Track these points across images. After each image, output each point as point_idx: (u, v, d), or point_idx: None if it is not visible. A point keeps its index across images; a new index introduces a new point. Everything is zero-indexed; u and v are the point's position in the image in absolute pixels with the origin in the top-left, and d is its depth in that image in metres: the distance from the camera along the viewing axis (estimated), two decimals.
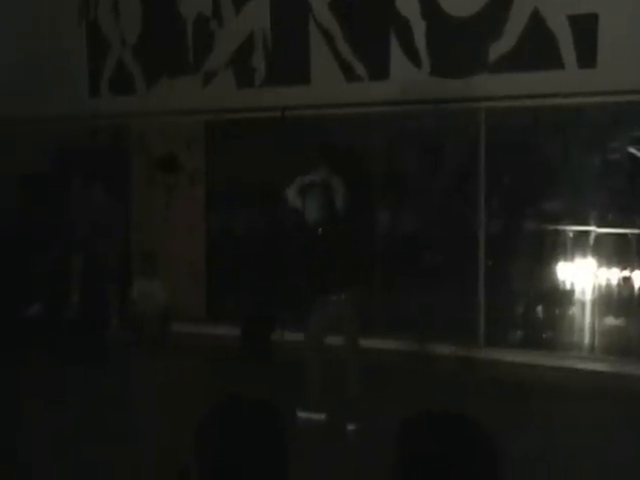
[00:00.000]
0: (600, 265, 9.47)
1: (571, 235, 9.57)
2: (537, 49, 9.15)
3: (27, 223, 11.67)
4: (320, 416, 7.31)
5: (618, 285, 9.44)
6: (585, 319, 9.60)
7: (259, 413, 2.08)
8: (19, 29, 12.03)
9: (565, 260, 9.66)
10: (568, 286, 9.67)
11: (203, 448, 2.01)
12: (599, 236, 9.40)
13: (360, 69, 10.09)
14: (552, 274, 9.74)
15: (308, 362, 7.40)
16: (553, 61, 9.07)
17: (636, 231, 9.26)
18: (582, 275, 9.53)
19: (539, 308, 9.85)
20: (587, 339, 9.58)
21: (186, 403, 7.35)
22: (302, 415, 7.28)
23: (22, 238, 11.35)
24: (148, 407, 8.28)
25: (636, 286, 9.34)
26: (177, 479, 2.17)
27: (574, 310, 9.66)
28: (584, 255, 9.53)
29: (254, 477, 1.97)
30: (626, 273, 9.38)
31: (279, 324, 10.21)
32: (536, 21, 9.11)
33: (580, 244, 9.53)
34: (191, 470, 2.01)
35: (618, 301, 9.49)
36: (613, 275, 9.44)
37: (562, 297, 9.72)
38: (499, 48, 9.32)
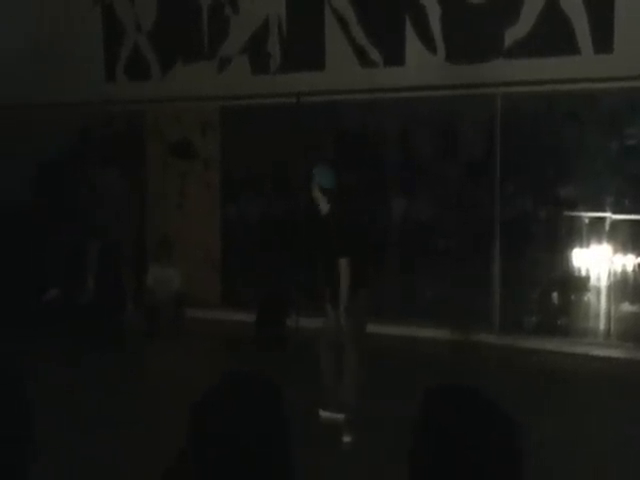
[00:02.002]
0: (616, 251, 9.43)
1: (587, 221, 9.52)
2: (553, 34, 9.09)
3: (43, 208, 11.70)
4: (340, 415, 6.94)
5: (634, 271, 9.41)
6: (601, 305, 9.57)
7: (255, 390, 2.06)
8: (34, 14, 12.03)
9: (581, 246, 9.62)
10: (584, 272, 9.64)
11: (197, 427, 2.01)
12: (615, 222, 9.36)
13: (375, 55, 10.05)
14: (568, 260, 9.70)
15: (321, 355, 7.24)
16: (569, 46, 9.01)
17: None
18: (598, 261, 9.49)
19: (554, 294, 9.82)
20: (603, 325, 9.55)
21: (199, 388, 7.36)
22: (324, 414, 7.01)
23: (38, 224, 11.39)
24: (161, 392, 8.30)
25: None
26: (177, 457, 2.18)
27: (590, 296, 9.63)
28: (600, 241, 9.49)
29: (251, 456, 1.95)
30: None
31: (294, 310, 10.22)
32: (552, 6, 9.05)
33: (596, 230, 9.49)
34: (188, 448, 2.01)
35: (634, 287, 9.46)
36: (629, 261, 9.41)
37: (578, 283, 9.69)
38: (514, 33, 9.27)
